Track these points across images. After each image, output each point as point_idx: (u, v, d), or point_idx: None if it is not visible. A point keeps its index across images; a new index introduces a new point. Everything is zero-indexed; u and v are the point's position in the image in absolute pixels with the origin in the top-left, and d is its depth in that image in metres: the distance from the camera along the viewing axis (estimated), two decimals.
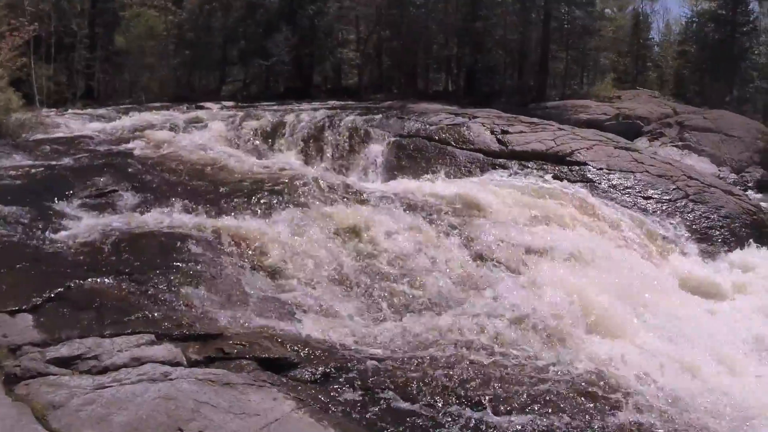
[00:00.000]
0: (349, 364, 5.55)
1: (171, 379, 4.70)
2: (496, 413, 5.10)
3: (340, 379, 5.31)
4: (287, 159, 13.19)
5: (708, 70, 33.29)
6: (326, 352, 5.68)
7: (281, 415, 4.50)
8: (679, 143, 20.90)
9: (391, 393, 5.19)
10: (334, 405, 4.94)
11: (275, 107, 18.73)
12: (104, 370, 4.76)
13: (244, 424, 4.32)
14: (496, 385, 5.49)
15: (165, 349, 5.16)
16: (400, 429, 4.78)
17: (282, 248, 7.58)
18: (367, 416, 4.89)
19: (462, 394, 5.30)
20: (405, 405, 5.07)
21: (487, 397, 5.27)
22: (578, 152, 13.22)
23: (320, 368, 5.38)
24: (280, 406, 4.61)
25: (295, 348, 5.63)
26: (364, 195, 9.58)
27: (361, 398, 5.10)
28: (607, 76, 31.66)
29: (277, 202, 8.84)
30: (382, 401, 5.09)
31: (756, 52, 32.46)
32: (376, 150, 13.77)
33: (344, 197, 9.38)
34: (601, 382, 5.78)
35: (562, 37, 29.98)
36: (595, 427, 5.11)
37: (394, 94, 27.63)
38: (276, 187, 9.42)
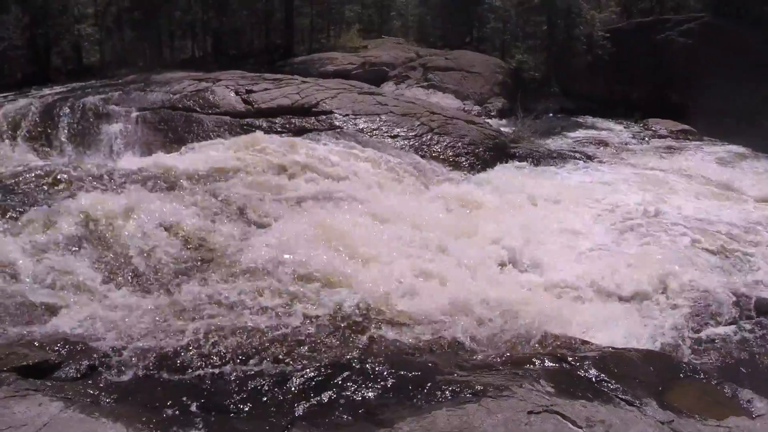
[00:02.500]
0: (114, 352, 5.42)
1: None
2: (270, 364, 5.28)
3: (108, 368, 5.19)
4: (20, 152, 12.14)
5: (449, 15, 35.18)
6: (89, 346, 5.49)
7: (49, 418, 4.31)
8: (424, 83, 22.26)
9: (161, 370, 5.17)
10: (105, 395, 4.80)
11: (8, 96, 16.99)
12: None
13: None
14: (265, 339, 5.66)
15: None
16: (173, 402, 4.74)
17: (27, 250, 7.09)
18: (140, 397, 4.81)
19: (235, 354, 5.40)
20: (176, 378, 5.07)
21: (254, 351, 5.44)
22: (323, 102, 13.54)
23: (85, 363, 5.20)
24: (47, 410, 4.40)
25: (56, 348, 5.39)
26: (108, 178, 9.12)
27: (131, 382, 5.04)
28: (352, 28, 32.38)
29: (12, 204, 8.15)
30: (153, 380, 5.06)
31: None
32: (119, 129, 12.98)
33: (88, 184, 8.89)
34: (366, 312, 6.23)
35: None
36: (354, 353, 5.50)
37: (140, 67, 26.23)
38: (9, 187, 8.78)
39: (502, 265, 7.87)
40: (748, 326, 7.24)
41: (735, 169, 15.50)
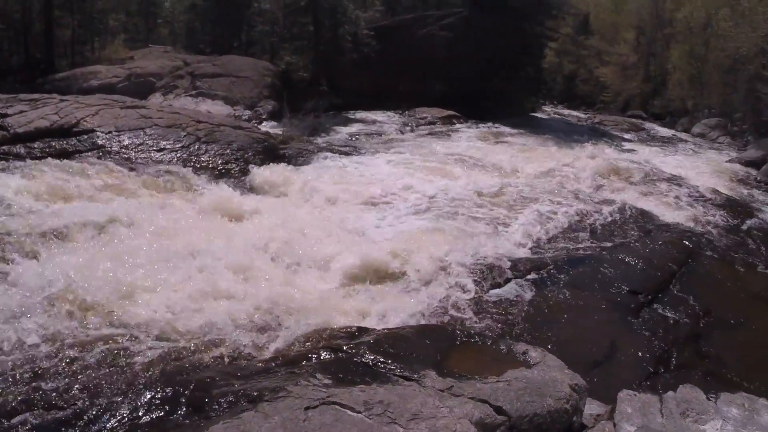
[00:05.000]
0: None
1: None
2: (38, 411, 4.84)
3: None
4: None
5: (217, 21, 34.71)
6: None
7: None
8: (193, 92, 22.00)
9: None
10: None
11: None
12: None
13: None
14: (30, 386, 5.19)
15: None
16: None
17: None
18: None
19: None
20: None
21: (20, 401, 4.97)
22: (84, 120, 12.75)
23: None
24: None
25: None
26: None
27: None
28: (117, 38, 31.14)
29: None
30: None
31: None
32: None
33: None
34: (137, 336, 5.97)
35: (67, 2, 28.39)
36: (129, 381, 5.23)
37: None
38: None
39: (274, 266, 7.88)
40: (517, 285, 7.94)
41: (494, 145, 16.93)
